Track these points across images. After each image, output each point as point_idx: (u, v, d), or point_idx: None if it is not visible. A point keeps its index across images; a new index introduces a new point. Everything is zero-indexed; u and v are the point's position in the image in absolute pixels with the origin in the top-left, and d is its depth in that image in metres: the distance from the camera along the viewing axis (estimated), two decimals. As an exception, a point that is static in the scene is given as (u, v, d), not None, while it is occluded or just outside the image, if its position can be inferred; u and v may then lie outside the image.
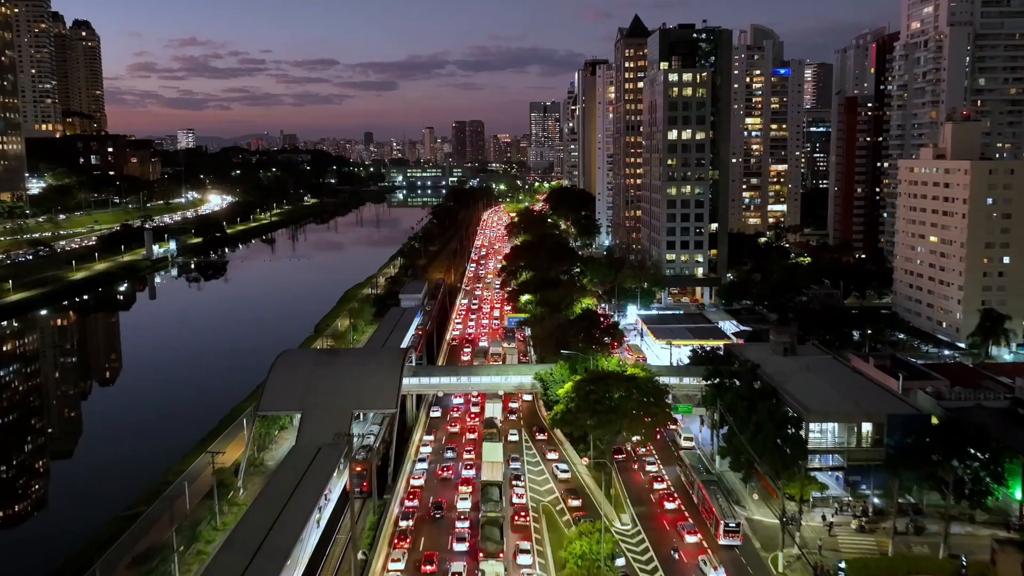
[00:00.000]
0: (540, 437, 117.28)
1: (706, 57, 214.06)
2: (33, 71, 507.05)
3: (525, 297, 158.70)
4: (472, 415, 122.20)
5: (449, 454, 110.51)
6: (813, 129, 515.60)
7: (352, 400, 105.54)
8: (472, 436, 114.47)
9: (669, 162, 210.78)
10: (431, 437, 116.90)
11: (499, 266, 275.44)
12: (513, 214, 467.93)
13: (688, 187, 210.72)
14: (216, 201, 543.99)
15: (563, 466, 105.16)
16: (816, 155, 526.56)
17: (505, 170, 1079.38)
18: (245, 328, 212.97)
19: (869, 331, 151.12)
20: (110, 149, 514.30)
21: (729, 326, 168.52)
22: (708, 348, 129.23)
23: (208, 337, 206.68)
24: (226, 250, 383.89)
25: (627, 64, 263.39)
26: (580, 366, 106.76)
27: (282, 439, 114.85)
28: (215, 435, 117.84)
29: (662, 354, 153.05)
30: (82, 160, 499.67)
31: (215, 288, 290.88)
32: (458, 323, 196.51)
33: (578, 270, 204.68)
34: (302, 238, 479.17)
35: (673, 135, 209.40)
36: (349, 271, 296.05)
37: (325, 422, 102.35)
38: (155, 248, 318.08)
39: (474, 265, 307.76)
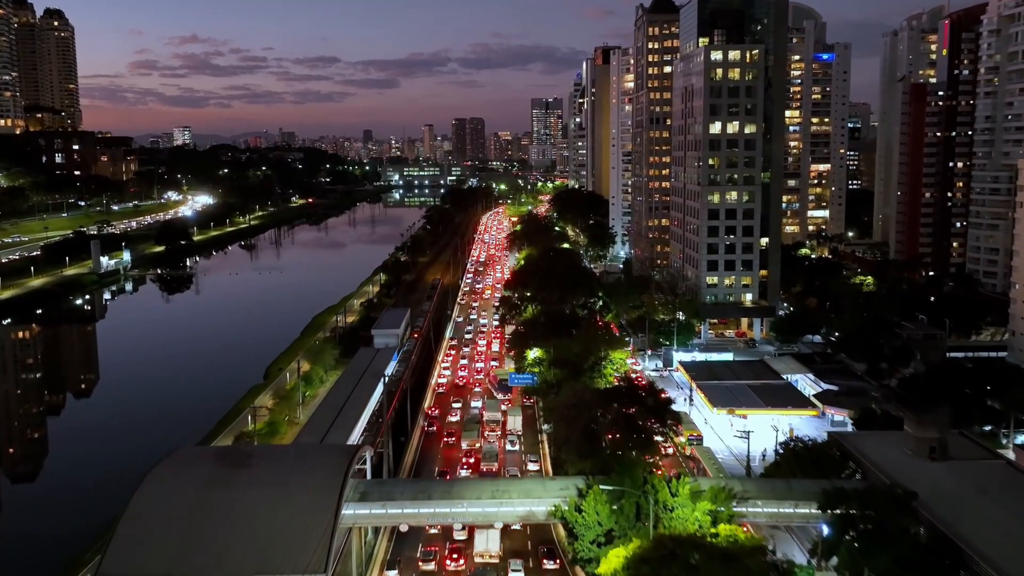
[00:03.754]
0: (550, 566, 76.52)
1: (755, 32, 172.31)
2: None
3: (533, 353, 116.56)
4: (454, 549, 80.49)
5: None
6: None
7: (255, 558, 64.18)
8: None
9: (710, 162, 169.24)
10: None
11: (499, 286, 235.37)
12: (515, 219, 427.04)
13: (734, 193, 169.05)
14: (199, 202, 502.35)
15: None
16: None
17: (506, 168, 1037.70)
18: (184, 371, 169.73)
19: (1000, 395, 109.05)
20: (76, 147, 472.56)
21: (805, 382, 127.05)
22: (806, 440, 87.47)
23: (134, 382, 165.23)
24: (197, 259, 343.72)
25: (651, 45, 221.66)
26: (627, 503, 65.15)
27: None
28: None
29: (722, 426, 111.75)
30: (45, 158, 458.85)
31: (168, 307, 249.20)
32: (446, 366, 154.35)
33: (599, 301, 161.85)
34: (285, 243, 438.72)
35: (716, 128, 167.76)
36: (326, 286, 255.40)
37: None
38: (104, 260, 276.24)
39: (471, 277, 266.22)
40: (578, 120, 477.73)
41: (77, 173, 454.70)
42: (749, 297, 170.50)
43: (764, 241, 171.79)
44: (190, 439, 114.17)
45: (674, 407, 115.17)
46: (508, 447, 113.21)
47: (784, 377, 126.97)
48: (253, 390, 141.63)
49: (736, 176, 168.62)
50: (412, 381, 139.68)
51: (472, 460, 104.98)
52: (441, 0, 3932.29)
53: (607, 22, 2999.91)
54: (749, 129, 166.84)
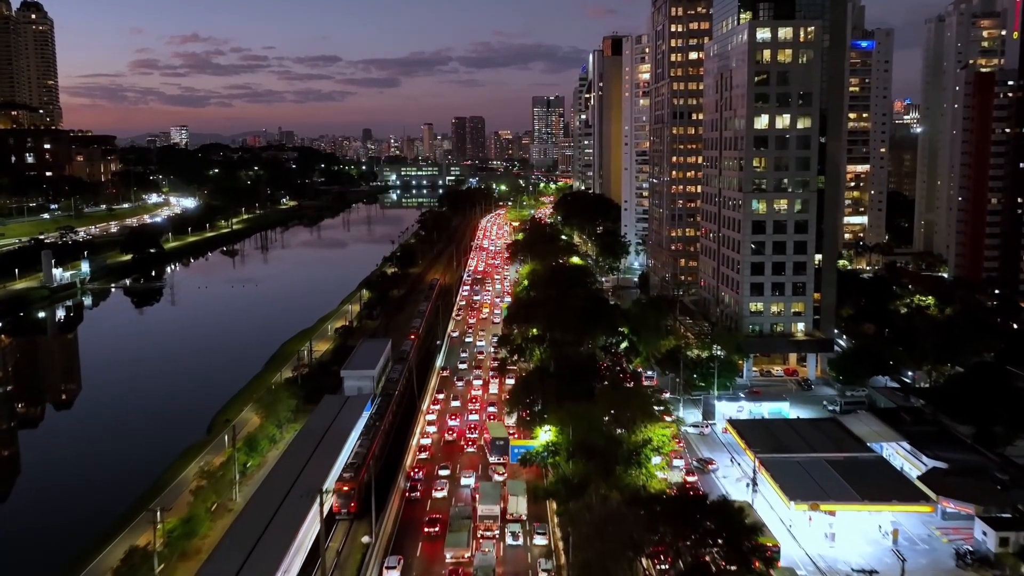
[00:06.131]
0: None
1: (808, 6, 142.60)
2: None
3: (545, 435, 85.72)
4: None
5: None
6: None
7: None
8: None
9: (755, 163, 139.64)
10: None
11: (499, 300, 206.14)
12: (516, 223, 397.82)
13: (784, 201, 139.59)
14: (182, 205, 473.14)
15: None
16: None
17: (506, 168, 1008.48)
18: (114, 422, 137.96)
19: None
20: (48, 146, 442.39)
21: (896, 451, 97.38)
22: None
23: (50, 438, 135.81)
24: (176, 267, 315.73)
25: (674, 28, 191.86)
26: None
27: None
28: None
29: (801, 525, 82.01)
30: (14, 158, 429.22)
31: (122, 328, 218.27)
32: (432, 419, 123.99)
33: (623, 340, 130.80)
34: (271, 248, 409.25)
35: (762, 122, 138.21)
36: (305, 301, 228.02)
37: None
38: (58, 272, 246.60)
39: (467, 289, 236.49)
40: (584, 117, 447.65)
41: (49, 174, 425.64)
42: (801, 327, 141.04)
43: (817, 259, 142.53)
44: (75, 544, 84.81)
45: (727, 488, 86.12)
46: (509, 540, 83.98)
47: (869, 445, 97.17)
48: (189, 452, 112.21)
49: (786, 181, 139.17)
50: (389, 441, 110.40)
51: (459, 582, 75.46)
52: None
53: (609, 21, 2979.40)
54: (803, 123, 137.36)
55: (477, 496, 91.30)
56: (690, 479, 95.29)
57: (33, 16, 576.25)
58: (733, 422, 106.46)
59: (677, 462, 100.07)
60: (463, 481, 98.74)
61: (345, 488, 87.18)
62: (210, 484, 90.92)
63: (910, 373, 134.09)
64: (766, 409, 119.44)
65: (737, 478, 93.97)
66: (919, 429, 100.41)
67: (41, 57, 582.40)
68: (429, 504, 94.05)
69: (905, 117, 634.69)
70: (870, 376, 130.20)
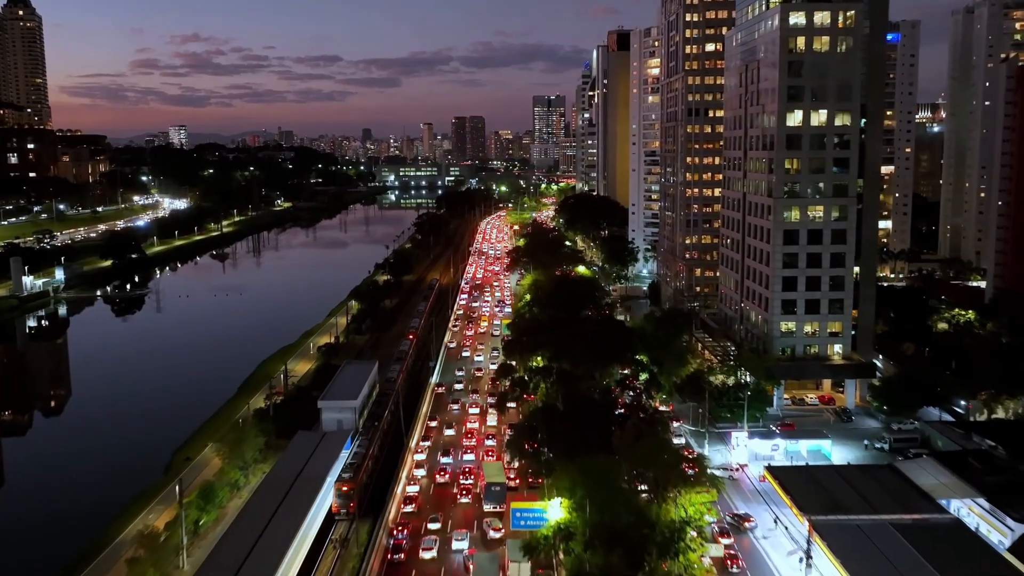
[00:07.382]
0: None
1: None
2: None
3: (556, 512, 69.30)
4: None
5: None
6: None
7: None
8: None
9: (787, 165, 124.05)
10: None
11: (498, 310, 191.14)
12: (517, 227, 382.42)
13: (819, 207, 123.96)
14: (173, 206, 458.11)
15: None
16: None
17: (507, 168, 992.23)
18: (66, 458, 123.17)
19: None
20: (32, 146, 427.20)
21: (971, 510, 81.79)
22: None
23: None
24: (166, 272, 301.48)
25: (689, 17, 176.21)
26: None
27: None
28: None
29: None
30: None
31: (89, 344, 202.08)
32: (421, 457, 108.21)
33: (643, 371, 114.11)
34: (262, 251, 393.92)
35: (795, 119, 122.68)
36: (291, 311, 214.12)
37: None
38: (28, 280, 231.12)
39: (464, 298, 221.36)
40: (587, 116, 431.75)
41: (32, 175, 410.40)
42: (838, 349, 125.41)
43: (855, 271, 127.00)
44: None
45: (773, 558, 70.57)
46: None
47: (928, 493, 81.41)
48: (138, 500, 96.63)
49: (823, 185, 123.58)
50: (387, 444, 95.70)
51: None
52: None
53: (611, 20, 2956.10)
54: (841, 120, 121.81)
55: (471, 567, 75.78)
56: (725, 542, 80.00)
57: (20, 12, 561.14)
58: (772, 470, 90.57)
59: (708, 517, 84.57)
60: (455, 544, 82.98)
61: (344, 488, 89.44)
62: (149, 553, 75.34)
63: (963, 402, 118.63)
64: (804, 447, 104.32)
65: (789, 552, 77.94)
66: (996, 479, 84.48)
67: (28, 54, 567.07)
68: (414, 573, 78.62)
69: (915, 116, 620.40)
70: (919, 406, 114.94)
